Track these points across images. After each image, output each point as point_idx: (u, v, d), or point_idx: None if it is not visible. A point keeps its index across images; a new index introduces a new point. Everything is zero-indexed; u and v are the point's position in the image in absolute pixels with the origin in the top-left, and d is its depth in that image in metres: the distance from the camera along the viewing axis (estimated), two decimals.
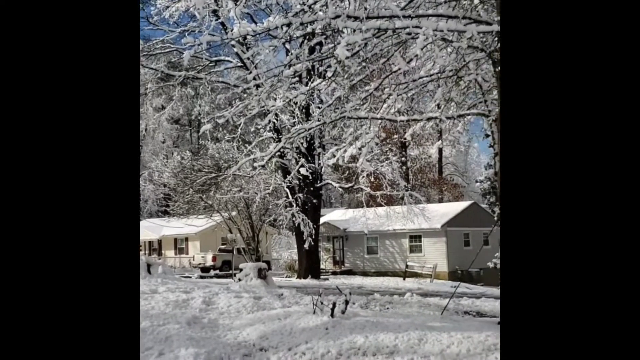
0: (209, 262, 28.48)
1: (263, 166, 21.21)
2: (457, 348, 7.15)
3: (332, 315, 8.56)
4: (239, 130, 19.75)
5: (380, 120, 10.40)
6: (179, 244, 36.03)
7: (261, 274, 12.80)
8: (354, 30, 7.04)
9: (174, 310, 9.60)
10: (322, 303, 8.87)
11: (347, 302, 8.91)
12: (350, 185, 25.18)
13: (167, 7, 21.08)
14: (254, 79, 10.31)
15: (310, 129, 10.74)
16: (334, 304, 8.68)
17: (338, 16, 7.11)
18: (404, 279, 25.23)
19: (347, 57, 6.83)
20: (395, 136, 31.53)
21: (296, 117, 20.60)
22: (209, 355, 7.12)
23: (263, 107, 12.09)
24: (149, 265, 14.34)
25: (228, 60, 24.60)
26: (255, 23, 15.57)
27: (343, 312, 8.76)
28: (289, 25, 8.68)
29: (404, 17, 7.15)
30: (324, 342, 7.56)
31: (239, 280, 12.75)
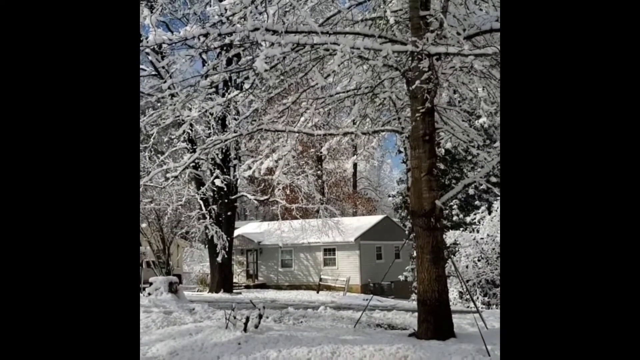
0: None
1: (176, 177, 20.69)
2: None
3: (245, 329, 8.44)
4: (152, 140, 19.22)
5: (297, 134, 10.47)
6: None
7: (172, 288, 12.43)
8: (273, 44, 7.06)
9: None
10: (234, 317, 8.73)
11: (260, 317, 8.83)
12: (265, 197, 25.06)
13: None
14: (169, 88, 10.07)
15: (226, 140, 10.60)
16: (247, 319, 8.57)
17: (257, 29, 7.11)
18: (318, 292, 25.36)
19: (265, 70, 6.84)
20: (312, 150, 31.82)
21: (212, 128, 20.30)
22: None
23: (178, 116, 11.83)
24: None
25: (141, 69, 23.86)
26: (172, 32, 15.27)
27: (256, 327, 8.67)
28: (206, 35, 8.58)
29: (322, 33, 7.27)
30: (237, 357, 7.44)
31: (149, 294, 12.31)
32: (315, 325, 10.62)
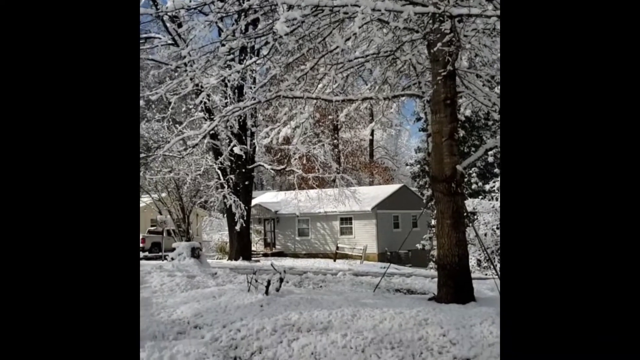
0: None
1: (196, 145, 20.83)
2: (390, 323, 7.35)
3: (266, 292, 8.59)
4: (170, 109, 19.29)
5: (315, 101, 10.43)
6: None
7: (195, 253, 12.64)
8: (291, 7, 7.00)
9: None
10: (256, 281, 8.87)
11: (281, 280, 8.96)
12: (282, 167, 25.14)
13: None
14: (188, 54, 10.07)
15: (244, 107, 10.60)
16: (269, 282, 8.70)
17: None
18: (335, 261, 25.57)
19: (285, 34, 6.80)
20: (329, 117, 31.69)
21: (229, 98, 20.31)
22: (142, 334, 6.99)
23: (197, 85, 11.84)
24: None
25: (158, 38, 23.81)
26: None
27: (277, 290, 8.80)
28: (224, 0, 8.53)
29: None
30: (259, 319, 7.58)
31: (172, 259, 12.53)
32: (334, 289, 10.76)
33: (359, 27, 7.41)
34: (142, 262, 14.64)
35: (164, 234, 25.35)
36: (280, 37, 7.23)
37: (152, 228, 29.87)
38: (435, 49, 7.59)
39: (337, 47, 9.14)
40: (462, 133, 27.06)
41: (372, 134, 45.67)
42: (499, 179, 21.50)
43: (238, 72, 10.02)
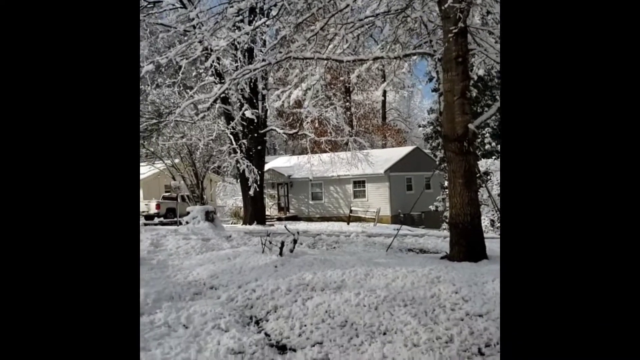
0: (153, 210, 28.06)
1: (208, 109, 20.82)
2: (402, 282, 7.43)
3: (280, 254, 8.69)
4: (180, 74, 19.23)
5: (326, 61, 10.34)
6: None
7: (209, 217, 12.77)
8: None
9: None
10: (270, 243, 8.97)
11: (295, 242, 9.05)
12: (294, 131, 25.08)
13: None
14: (197, 16, 9.99)
15: (255, 70, 10.54)
16: (282, 243, 8.80)
17: None
18: (348, 224, 25.73)
19: None
20: (341, 79, 31.42)
21: (239, 61, 20.16)
22: (159, 295, 7.14)
23: (206, 48, 11.73)
24: None
25: (171, 5, 23.51)
26: None
27: (291, 251, 8.90)
28: None
29: None
30: (274, 279, 7.70)
31: (187, 223, 12.69)
32: (348, 250, 10.85)
33: None
34: (157, 226, 14.88)
35: (179, 200, 25.63)
36: None
37: (167, 194, 30.17)
38: (446, 5, 7.45)
39: (347, 5, 9.01)
40: (474, 92, 26.74)
41: (384, 95, 45.29)
42: None
43: (247, 33, 9.92)
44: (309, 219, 29.45)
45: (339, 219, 28.32)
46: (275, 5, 9.62)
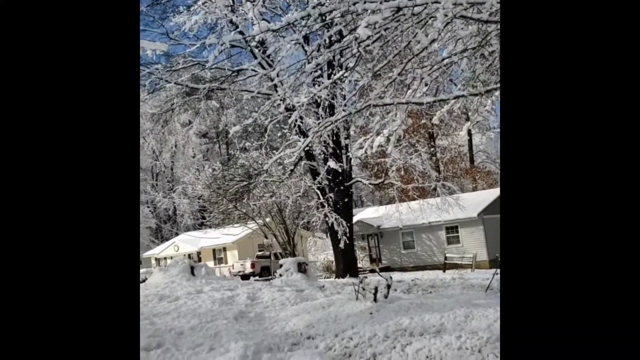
0: (248, 269, 28.68)
1: (295, 165, 21.38)
2: None
3: (375, 300, 8.56)
4: (266, 136, 19.97)
5: (406, 106, 10.37)
6: (218, 254, 36.38)
7: (301, 268, 12.88)
8: (373, 12, 7.07)
9: (221, 307, 9.73)
10: (363, 289, 8.88)
11: (389, 287, 8.91)
12: (380, 181, 25.08)
13: (187, 20, 21.40)
14: (277, 75, 10.42)
15: (336, 121, 10.75)
16: (376, 289, 8.68)
17: (356, 2, 7.16)
18: (444, 271, 24.99)
19: (368, 37, 6.86)
20: (423, 121, 31.27)
21: (321, 118, 20.68)
22: (258, 347, 7.20)
23: (287, 108, 12.16)
24: (192, 268, 14.54)
25: (252, 69, 24.80)
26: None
27: (386, 297, 8.76)
28: (308, 17, 8.77)
29: None
30: (370, 326, 7.57)
31: (280, 275, 12.84)
32: (444, 293, 10.52)
33: (442, 23, 7.33)
34: (252, 281, 15.16)
35: (272, 257, 26.07)
36: (364, 41, 7.31)
37: (260, 253, 30.82)
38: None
39: (424, 49, 9.08)
40: None
41: (470, 136, 44.48)
42: None
43: (327, 87, 10.19)
44: (403, 269, 28.89)
45: (433, 267, 27.57)
46: (352, 56, 9.86)
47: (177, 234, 48.27)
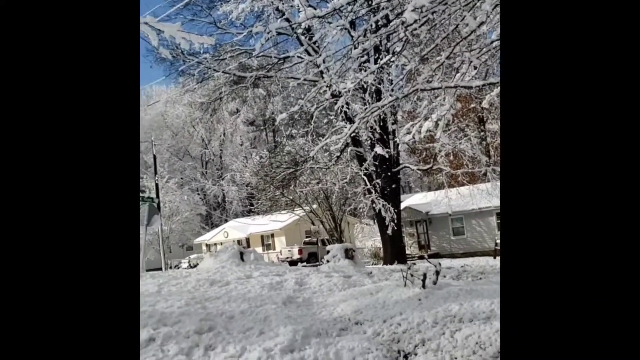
0: (296, 256, 29.01)
1: (341, 152, 21.37)
2: None
3: (423, 286, 8.51)
4: (312, 122, 19.97)
5: (454, 90, 10.19)
6: (266, 241, 36.94)
7: (348, 254, 12.92)
8: None
9: (269, 292, 9.88)
10: (412, 275, 8.83)
11: (437, 273, 8.83)
12: (428, 166, 24.79)
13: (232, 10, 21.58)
14: (323, 62, 10.39)
15: (383, 106, 10.67)
16: (424, 275, 8.62)
17: None
18: (495, 258, 24.57)
19: (415, 21, 6.76)
20: (472, 105, 30.67)
21: (367, 103, 20.56)
22: (307, 332, 7.28)
23: (334, 94, 12.13)
24: (241, 254, 14.83)
25: (298, 56, 24.85)
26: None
27: (434, 283, 8.69)
28: (354, 2, 8.71)
29: None
30: (418, 312, 7.53)
31: (327, 261, 12.93)
32: (495, 280, 10.35)
33: (492, 8, 7.16)
34: (300, 266, 15.35)
35: (319, 244, 26.28)
36: (411, 25, 7.20)
37: (307, 239, 31.10)
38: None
39: (472, 32, 8.88)
40: None
41: None
42: None
43: (373, 72, 10.12)
44: (452, 256, 28.58)
45: (483, 253, 27.16)
46: (399, 40, 9.74)
47: (226, 221, 49.20)
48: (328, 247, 14.18)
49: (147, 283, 11.52)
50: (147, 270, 20.34)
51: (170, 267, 31.26)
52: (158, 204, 26.56)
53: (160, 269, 27.23)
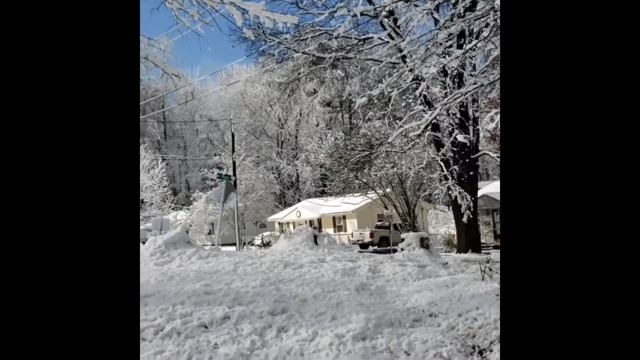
0: (367, 239, 28.95)
1: (419, 137, 20.99)
2: None
3: None
4: (390, 105, 19.68)
5: None
6: (338, 222, 37.12)
7: (423, 244, 12.73)
8: None
9: (342, 277, 9.90)
10: (490, 269, 8.58)
11: None
12: None
13: None
14: (406, 46, 10.18)
15: (466, 93, 10.36)
16: None
17: None
18: None
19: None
20: None
21: (448, 88, 20.02)
22: (379, 320, 7.24)
23: (416, 77, 11.86)
24: (315, 237, 14.96)
25: (380, 39, 24.50)
26: None
27: None
28: None
29: None
30: (496, 307, 7.31)
31: (402, 249, 12.80)
32: None
33: None
34: (373, 254, 15.30)
35: (391, 228, 26.08)
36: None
37: (379, 223, 30.94)
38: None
39: None
40: None
41: None
42: None
43: (457, 57, 9.81)
44: None
45: None
46: (486, 26, 9.37)
47: (299, 200, 49.85)
48: (402, 235, 14.01)
49: (224, 261, 11.83)
50: (222, 245, 20.90)
51: (244, 244, 32.07)
52: (235, 182, 27.26)
53: (234, 244, 28.01)
